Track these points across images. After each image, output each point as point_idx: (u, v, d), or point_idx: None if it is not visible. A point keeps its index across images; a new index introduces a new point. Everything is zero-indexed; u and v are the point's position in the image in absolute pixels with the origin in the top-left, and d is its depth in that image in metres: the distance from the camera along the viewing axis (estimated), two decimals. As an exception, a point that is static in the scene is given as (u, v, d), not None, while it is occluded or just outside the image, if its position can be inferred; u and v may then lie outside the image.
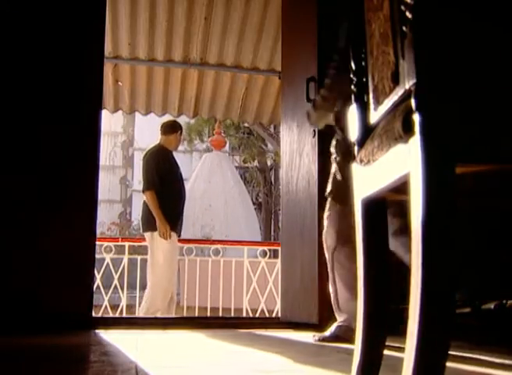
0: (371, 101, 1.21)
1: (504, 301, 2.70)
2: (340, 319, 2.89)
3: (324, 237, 2.97)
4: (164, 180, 4.91)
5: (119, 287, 5.96)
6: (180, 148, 14.56)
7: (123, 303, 5.80)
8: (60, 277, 3.21)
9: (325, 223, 2.95)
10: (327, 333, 2.90)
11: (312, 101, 3.10)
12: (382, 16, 1.09)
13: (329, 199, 2.93)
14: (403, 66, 0.96)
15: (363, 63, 1.27)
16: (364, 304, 1.22)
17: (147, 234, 5.00)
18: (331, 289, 2.94)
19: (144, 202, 5.01)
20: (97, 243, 4.37)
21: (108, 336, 3.00)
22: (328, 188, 2.92)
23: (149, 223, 4.91)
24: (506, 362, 2.21)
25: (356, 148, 1.29)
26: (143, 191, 4.98)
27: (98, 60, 3.51)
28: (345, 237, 2.72)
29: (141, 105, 6.26)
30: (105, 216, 12.58)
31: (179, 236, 5.11)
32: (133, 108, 6.35)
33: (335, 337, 2.82)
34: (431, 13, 0.92)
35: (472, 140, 0.91)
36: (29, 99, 3.32)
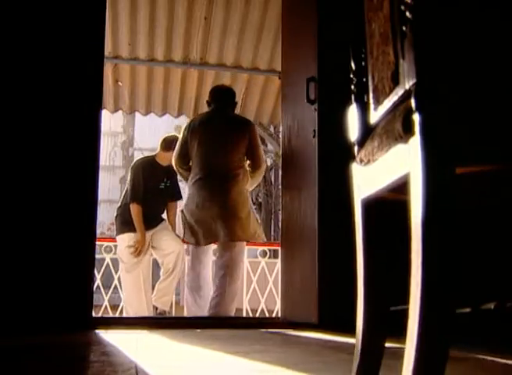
0: (371, 101, 1.21)
1: (504, 301, 2.70)
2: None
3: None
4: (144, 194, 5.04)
5: (119, 287, 5.95)
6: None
7: (123, 303, 5.79)
8: (60, 277, 3.21)
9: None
10: None
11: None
12: (382, 16, 1.09)
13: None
14: (403, 66, 0.96)
15: (363, 63, 1.27)
16: (364, 304, 1.22)
17: (116, 237, 5.22)
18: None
19: (120, 206, 5.18)
20: (97, 243, 4.38)
21: (108, 336, 3.00)
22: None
23: (117, 226, 5.17)
24: (507, 362, 2.21)
25: (356, 147, 1.29)
26: (128, 199, 5.07)
27: (98, 60, 3.50)
28: None
29: (141, 105, 6.26)
30: (105, 216, 12.56)
31: (160, 222, 5.20)
32: (133, 109, 6.35)
33: None
34: (431, 13, 0.92)
35: (472, 140, 0.91)
36: (28, 99, 3.31)
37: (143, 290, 5.03)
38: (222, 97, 4.45)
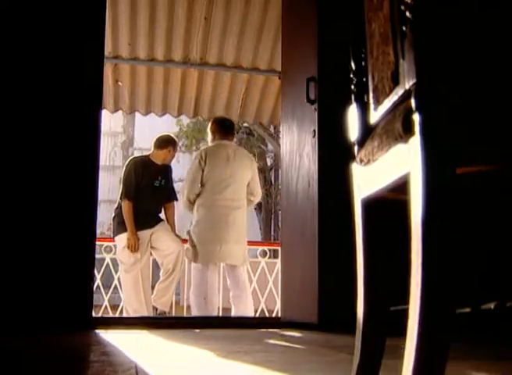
0: (371, 101, 1.21)
1: (504, 301, 2.70)
2: None
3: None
4: (137, 192, 5.06)
5: (119, 287, 5.95)
6: (179, 148, 14.45)
7: (123, 303, 5.79)
8: (60, 277, 3.21)
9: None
10: None
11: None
12: (382, 16, 1.10)
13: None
14: (403, 66, 0.96)
15: (363, 63, 1.27)
16: (364, 304, 1.22)
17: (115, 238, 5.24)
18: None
19: (116, 207, 5.19)
20: (97, 243, 4.39)
21: (108, 336, 3.00)
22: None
23: (114, 227, 5.19)
24: (507, 362, 2.21)
25: (356, 147, 1.29)
26: (120, 198, 5.11)
27: (98, 60, 3.50)
28: None
29: (141, 105, 6.25)
30: (105, 216, 12.55)
31: (159, 222, 5.21)
32: (133, 108, 6.35)
33: None
34: (431, 13, 0.92)
35: (472, 140, 0.91)
36: (28, 99, 3.31)
37: (142, 290, 5.02)
38: (228, 130, 5.05)
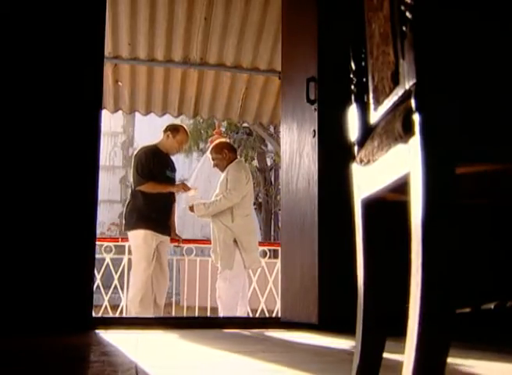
0: (371, 101, 1.21)
1: (504, 301, 2.70)
2: None
3: None
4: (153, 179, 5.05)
5: (119, 287, 5.96)
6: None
7: (123, 303, 5.79)
8: (60, 277, 3.21)
9: None
10: None
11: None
12: (382, 16, 1.10)
13: None
14: (403, 66, 0.96)
15: (363, 63, 1.27)
16: (364, 304, 1.22)
17: (129, 233, 5.11)
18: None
19: (130, 201, 5.12)
20: (97, 243, 4.38)
21: (108, 336, 3.00)
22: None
23: (131, 221, 5.05)
24: (507, 362, 2.21)
25: (356, 147, 1.29)
26: (136, 186, 5.02)
27: (98, 60, 3.50)
28: None
29: (141, 105, 6.25)
30: (105, 216, 12.56)
31: (169, 235, 5.20)
32: (133, 109, 6.35)
33: None
34: (431, 13, 0.92)
35: (472, 140, 0.91)
36: (28, 99, 3.31)
37: (147, 293, 4.98)
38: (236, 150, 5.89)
